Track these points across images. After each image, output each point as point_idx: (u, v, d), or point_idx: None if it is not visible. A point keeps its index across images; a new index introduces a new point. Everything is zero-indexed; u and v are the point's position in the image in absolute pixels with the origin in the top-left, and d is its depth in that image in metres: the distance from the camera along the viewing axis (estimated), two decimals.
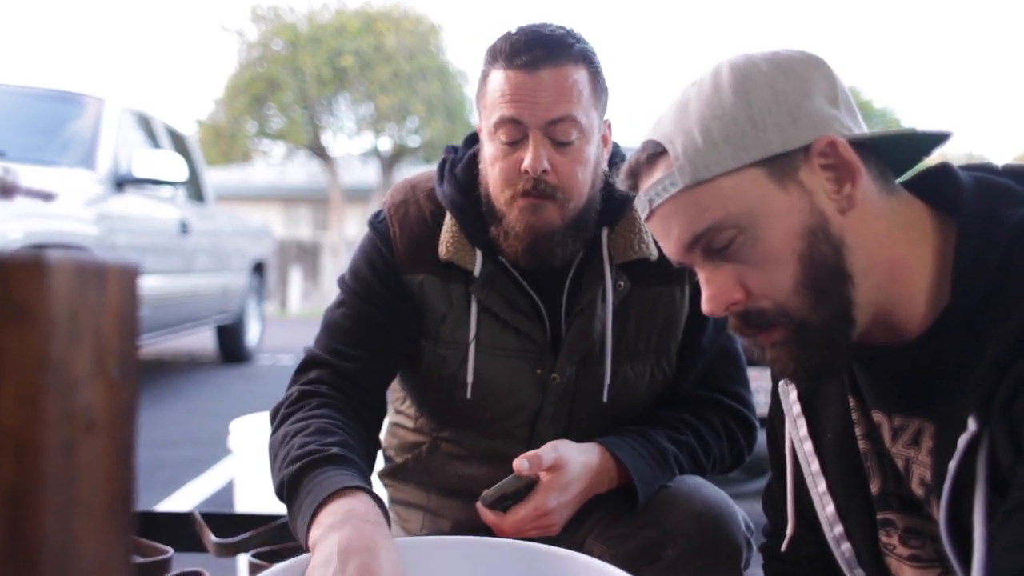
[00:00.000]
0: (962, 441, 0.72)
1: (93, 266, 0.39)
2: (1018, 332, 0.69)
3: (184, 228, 5.23)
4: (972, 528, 0.71)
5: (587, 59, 1.15)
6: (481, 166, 1.22)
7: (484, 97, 1.17)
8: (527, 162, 1.11)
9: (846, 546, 0.92)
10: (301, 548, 0.97)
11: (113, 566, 0.43)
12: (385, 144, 17.26)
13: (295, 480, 1.01)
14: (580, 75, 1.13)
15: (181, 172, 4.61)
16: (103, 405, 0.41)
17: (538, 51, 1.11)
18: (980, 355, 0.71)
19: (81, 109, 4.53)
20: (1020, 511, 0.63)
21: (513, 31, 1.15)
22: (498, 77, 1.14)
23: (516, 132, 1.13)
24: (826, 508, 0.93)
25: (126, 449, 0.44)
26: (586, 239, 1.21)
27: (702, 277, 0.83)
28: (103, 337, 0.40)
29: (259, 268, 7.17)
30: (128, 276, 0.42)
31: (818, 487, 0.93)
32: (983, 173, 0.82)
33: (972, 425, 0.71)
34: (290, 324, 11.41)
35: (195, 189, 5.95)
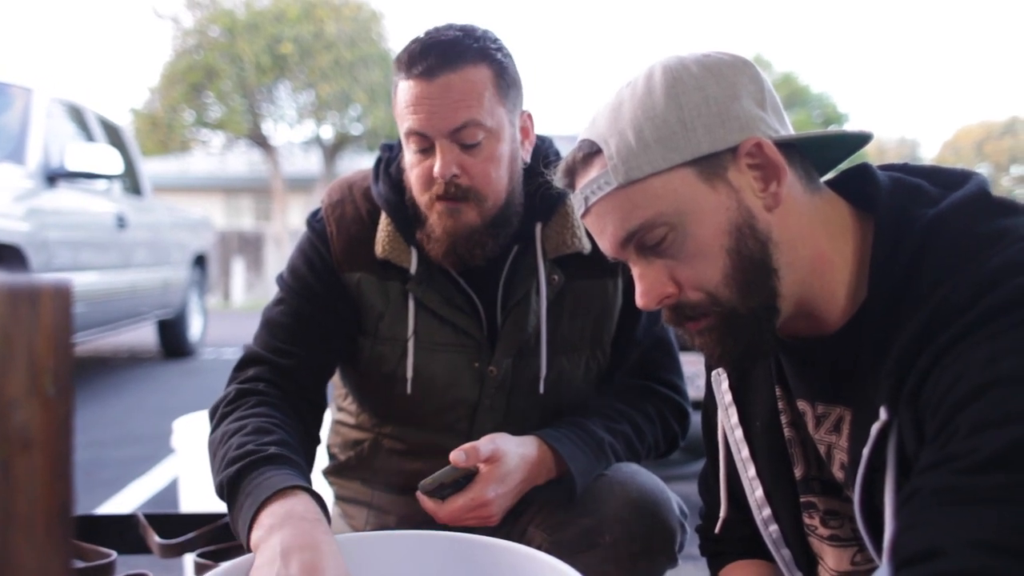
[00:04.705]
0: (874, 429, 0.76)
1: (25, 289, 0.40)
2: (924, 327, 0.73)
3: (121, 222, 5.11)
4: (884, 510, 0.76)
5: (487, 57, 1.15)
6: (405, 170, 1.24)
7: (396, 107, 1.19)
8: (436, 169, 1.14)
9: (774, 527, 0.96)
10: (246, 547, 0.97)
11: None
12: (327, 132, 17.00)
13: (234, 482, 1.01)
14: (480, 75, 1.14)
15: (116, 165, 4.49)
16: (39, 423, 0.42)
17: (432, 58, 1.12)
18: (891, 348, 0.75)
19: (8, 100, 4.38)
20: (917, 496, 0.67)
21: (415, 38, 1.16)
22: (403, 87, 1.16)
23: (424, 142, 1.15)
24: (755, 492, 0.97)
25: (63, 463, 0.45)
26: (511, 235, 1.24)
27: (636, 272, 0.86)
28: (37, 357, 0.41)
29: (200, 261, 7.04)
30: (61, 295, 0.42)
31: (748, 472, 0.98)
32: (899, 173, 0.86)
33: (883, 414, 0.76)
34: (233, 316, 11.24)
35: (131, 182, 5.80)
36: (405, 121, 1.15)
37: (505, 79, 1.17)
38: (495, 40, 1.18)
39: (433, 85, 1.12)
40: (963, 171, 0.84)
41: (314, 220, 1.30)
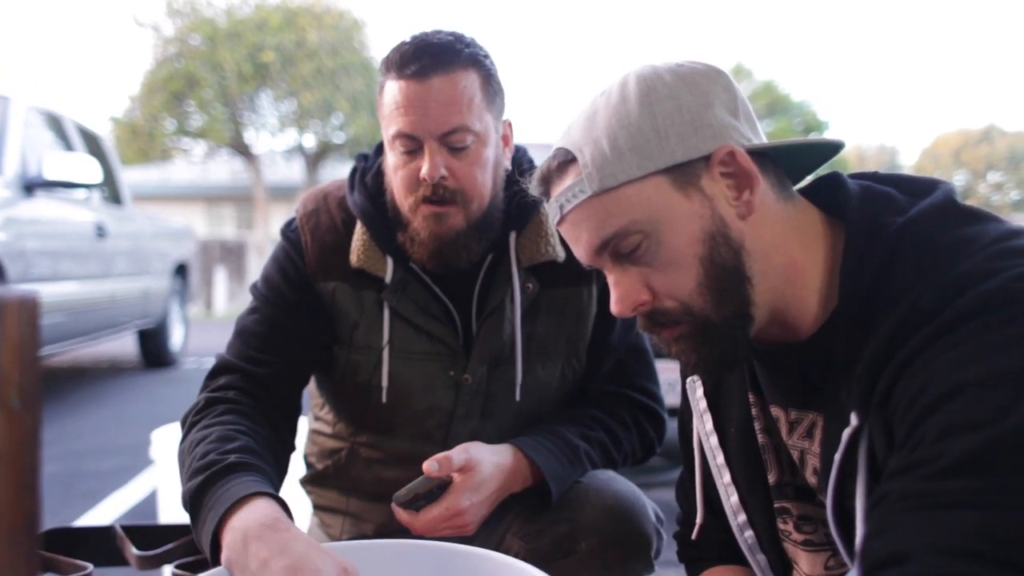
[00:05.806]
0: (845, 435, 0.77)
1: None
2: (892, 334, 0.74)
3: (100, 232, 5.07)
4: (856, 514, 0.77)
5: (477, 63, 1.17)
6: (386, 174, 1.24)
7: (381, 108, 1.20)
8: (424, 170, 1.14)
9: (749, 533, 0.97)
10: (211, 562, 0.97)
11: None
12: (309, 141, 16.99)
13: (196, 496, 1.01)
14: (470, 80, 1.15)
15: (95, 174, 4.46)
16: (3, 435, 0.41)
17: (426, 59, 1.13)
18: (861, 354, 0.76)
19: None
20: (885, 501, 0.68)
21: (404, 40, 1.17)
22: (392, 88, 1.16)
23: (412, 143, 1.15)
24: (731, 498, 0.98)
25: (29, 476, 0.44)
26: (492, 240, 1.24)
27: (611, 279, 0.87)
28: (1, 369, 0.41)
29: (181, 270, 7.00)
30: (27, 307, 0.42)
31: (723, 478, 0.98)
32: (868, 181, 0.87)
33: (854, 420, 0.77)
34: (216, 326, 11.16)
35: (111, 191, 5.77)
36: (393, 123, 1.15)
37: (492, 86, 1.19)
38: (483, 48, 1.20)
39: (424, 87, 1.13)
40: (931, 180, 0.85)
41: (288, 230, 1.30)
